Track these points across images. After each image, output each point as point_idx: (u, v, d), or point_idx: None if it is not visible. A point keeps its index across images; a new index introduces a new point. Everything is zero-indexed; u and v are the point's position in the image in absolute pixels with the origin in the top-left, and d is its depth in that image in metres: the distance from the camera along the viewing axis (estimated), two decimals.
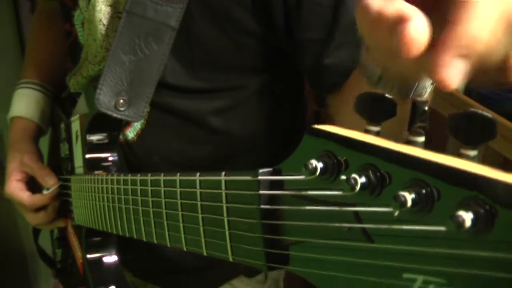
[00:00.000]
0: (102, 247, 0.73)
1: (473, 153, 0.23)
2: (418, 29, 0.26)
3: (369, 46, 0.36)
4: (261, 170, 0.30)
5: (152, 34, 0.59)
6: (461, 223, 0.20)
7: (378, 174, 0.24)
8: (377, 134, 0.25)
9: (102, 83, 0.60)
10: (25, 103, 0.83)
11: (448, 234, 0.21)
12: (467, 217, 0.20)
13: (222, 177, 0.33)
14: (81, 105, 0.72)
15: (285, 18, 0.57)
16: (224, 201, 0.33)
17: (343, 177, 0.24)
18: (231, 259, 0.33)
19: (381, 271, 0.24)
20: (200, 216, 0.36)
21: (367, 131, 0.26)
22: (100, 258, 0.73)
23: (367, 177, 0.24)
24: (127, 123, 0.69)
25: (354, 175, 0.23)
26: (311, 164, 0.25)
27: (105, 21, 0.63)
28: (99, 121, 0.67)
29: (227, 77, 0.66)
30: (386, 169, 0.24)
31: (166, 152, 0.71)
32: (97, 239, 0.73)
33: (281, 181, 0.29)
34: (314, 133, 0.27)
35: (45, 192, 0.75)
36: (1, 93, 1.08)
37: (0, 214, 1.46)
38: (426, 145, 0.25)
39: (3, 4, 1.52)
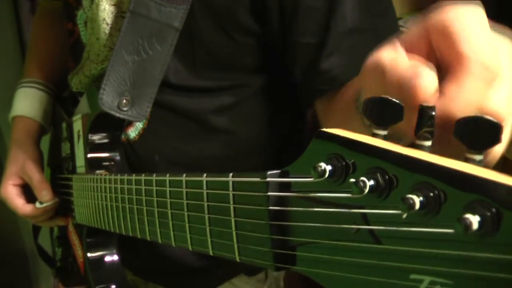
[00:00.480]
0: (103, 246, 0.73)
1: (479, 157, 0.23)
2: (428, 84, 0.26)
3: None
4: (269, 172, 0.30)
5: (155, 35, 0.60)
6: (468, 225, 0.20)
7: (386, 177, 0.24)
8: (384, 138, 0.26)
9: (105, 83, 0.60)
10: (27, 102, 0.83)
11: (455, 236, 0.22)
12: (474, 220, 0.20)
13: (230, 178, 0.33)
14: (83, 105, 0.73)
15: (280, 21, 0.58)
16: (231, 201, 0.33)
17: (352, 180, 0.24)
18: (238, 259, 0.34)
19: (388, 272, 0.24)
20: (206, 216, 0.37)
21: (374, 135, 0.26)
22: (101, 257, 0.73)
23: (375, 180, 0.24)
24: (129, 123, 0.69)
25: (363, 178, 0.24)
26: (320, 166, 0.26)
27: (108, 20, 0.64)
28: (102, 121, 0.67)
29: (229, 77, 0.66)
30: (393, 172, 0.24)
31: (168, 151, 0.71)
32: (98, 238, 0.73)
33: (289, 183, 0.30)
34: (322, 136, 0.27)
35: (38, 205, 0.76)
36: (0, 93, 1.08)
37: (0, 214, 1.45)
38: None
39: (3, 4, 1.52)
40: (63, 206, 0.80)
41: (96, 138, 0.69)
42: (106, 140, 0.69)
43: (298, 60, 0.59)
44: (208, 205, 0.36)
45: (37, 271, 1.66)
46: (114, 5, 0.63)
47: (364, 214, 0.25)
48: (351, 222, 0.26)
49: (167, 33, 0.60)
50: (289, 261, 0.30)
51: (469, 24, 0.26)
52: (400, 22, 1.00)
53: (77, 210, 0.73)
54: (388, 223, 0.24)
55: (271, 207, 0.30)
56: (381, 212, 0.24)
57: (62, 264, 0.90)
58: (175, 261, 0.76)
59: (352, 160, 0.26)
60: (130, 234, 0.52)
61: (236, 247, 0.34)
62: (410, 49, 0.28)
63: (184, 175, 0.39)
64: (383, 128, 0.26)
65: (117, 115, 0.61)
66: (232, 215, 0.34)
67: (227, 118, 0.69)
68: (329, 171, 0.26)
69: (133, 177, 0.50)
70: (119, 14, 0.63)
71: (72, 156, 0.76)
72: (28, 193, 0.79)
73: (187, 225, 0.39)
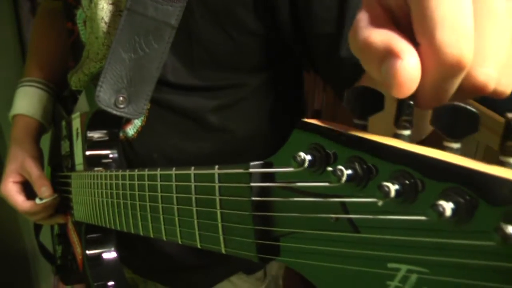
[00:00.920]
0: (101, 243, 0.74)
1: (456, 145, 0.23)
2: (409, 69, 0.23)
3: None
4: (252, 163, 0.30)
5: (152, 33, 0.60)
6: (441, 212, 0.20)
7: (365, 166, 0.24)
8: (364, 128, 0.26)
9: (102, 81, 0.60)
10: (27, 101, 0.83)
11: (430, 224, 0.22)
12: (448, 206, 0.20)
13: (216, 170, 0.34)
14: (82, 103, 0.73)
15: (292, 14, 0.57)
16: (217, 194, 0.34)
17: (330, 168, 0.24)
18: (223, 251, 0.34)
19: (367, 261, 0.24)
20: (194, 209, 0.37)
21: (355, 125, 0.26)
22: (99, 255, 0.73)
23: (354, 169, 0.24)
24: (128, 120, 0.69)
25: (340, 167, 0.24)
26: (300, 156, 0.26)
27: (107, 19, 0.64)
28: (100, 119, 0.68)
29: (227, 75, 0.66)
30: (372, 162, 0.24)
31: (166, 149, 0.71)
32: (96, 235, 0.74)
33: (273, 174, 0.30)
34: (304, 127, 0.27)
35: (37, 201, 0.76)
36: (0, 92, 1.09)
37: (0, 213, 1.46)
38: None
39: (3, 4, 1.52)
40: (62, 204, 0.81)
41: (94, 135, 0.69)
42: (104, 138, 0.70)
43: (318, 52, 0.58)
44: (196, 198, 0.36)
45: (37, 271, 1.67)
46: (112, 3, 0.64)
47: (344, 203, 0.25)
48: (331, 212, 0.26)
49: (163, 31, 0.60)
50: (272, 252, 0.30)
51: None
52: None
53: (76, 208, 0.73)
54: (366, 212, 0.24)
55: (253, 198, 0.30)
56: (358, 200, 0.24)
57: (62, 262, 0.90)
58: (174, 259, 0.76)
59: (333, 151, 0.26)
60: (125, 230, 0.53)
61: (222, 239, 0.34)
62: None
63: (174, 168, 0.40)
64: (364, 118, 0.26)
65: (114, 112, 0.62)
66: (218, 207, 0.34)
67: (226, 117, 0.69)
68: (309, 160, 0.26)
69: (127, 172, 0.50)
70: (117, 12, 0.64)
71: (71, 154, 0.77)
72: (29, 191, 0.80)
73: (176, 218, 0.39)
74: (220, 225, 0.34)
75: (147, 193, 0.45)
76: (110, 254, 0.73)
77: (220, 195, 0.33)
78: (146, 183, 0.45)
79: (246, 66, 0.66)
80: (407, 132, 0.25)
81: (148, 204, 0.45)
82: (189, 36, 0.62)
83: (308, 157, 0.26)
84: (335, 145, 0.26)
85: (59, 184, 0.81)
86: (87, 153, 0.69)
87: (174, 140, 0.71)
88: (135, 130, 0.71)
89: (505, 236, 0.18)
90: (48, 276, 1.62)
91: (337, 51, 0.55)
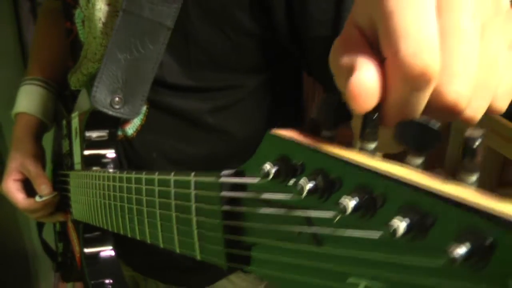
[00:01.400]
0: (99, 241, 0.74)
1: (418, 161, 0.23)
2: (364, 81, 0.23)
3: None
4: (223, 172, 0.30)
5: (147, 34, 0.60)
6: (395, 229, 0.20)
7: (328, 179, 0.24)
8: (331, 139, 0.26)
9: (98, 81, 0.61)
10: (29, 99, 0.84)
11: (387, 240, 0.21)
12: (402, 224, 0.20)
13: (192, 177, 0.34)
14: (81, 102, 0.74)
15: (288, 15, 0.56)
16: (193, 200, 0.34)
17: (292, 181, 0.24)
18: (199, 258, 0.34)
19: (328, 274, 0.24)
20: (173, 214, 0.37)
21: (322, 137, 0.26)
22: (97, 253, 0.74)
23: (316, 182, 0.24)
24: (126, 120, 0.70)
25: (302, 180, 0.24)
26: (265, 168, 0.26)
27: (104, 20, 0.64)
28: (97, 118, 0.68)
29: (225, 76, 0.66)
30: (335, 175, 0.24)
31: (166, 149, 0.71)
32: (94, 233, 0.74)
33: (245, 183, 0.30)
34: (272, 137, 0.27)
35: (38, 199, 0.77)
36: (0, 92, 1.10)
37: (0, 212, 1.48)
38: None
39: (3, 4, 1.52)
40: (62, 202, 0.81)
41: (92, 135, 0.70)
42: (101, 137, 0.70)
43: (313, 54, 0.57)
44: (175, 204, 0.37)
45: (37, 270, 1.68)
46: (109, 4, 0.64)
47: (308, 216, 0.25)
48: (296, 224, 0.26)
49: (159, 32, 0.60)
50: (242, 261, 0.30)
51: None
52: None
53: (74, 206, 0.74)
54: (328, 225, 0.24)
55: (223, 207, 0.30)
56: (317, 214, 0.24)
57: (63, 259, 0.91)
58: (173, 257, 0.75)
59: (301, 162, 0.26)
60: (115, 231, 0.53)
61: (197, 246, 0.34)
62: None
63: (157, 173, 0.40)
64: (331, 129, 0.26)
65: (110, 112, 0.62)
66: (194, 214, 0.34)
67: (222, 118, 0.69)
68: (274, 172, 0.26)
69: (117, 174, 0.50)
70: (114, 13, 0.64)
71: (70, 153, 0.78)
72: (29, 189, 0.81)
73: (158, 223, 0.40)
74: (195, 231, 0.34)
75: (133, 196, 0.45)
76: (107, 252, 0.74)
77: (195, 202, 0.34)
78: (133, 186, 0.45)
79: (243, 67, 0.66)
80: (371, 146, 0.25)
81: (134, 207, 0.45)
82: (186, 37, 0.62)
83: (274, 169, 0.26)
84: (302, 157, 0.26)
85: (60, 182, 0.82)
86: (85, 152, 0.70)
87: (172, 140, 0.71)
88: (134, 129, 0.71)
89: (454, 256, 0.18)
90: (48, 275, 1.63)
91: None
